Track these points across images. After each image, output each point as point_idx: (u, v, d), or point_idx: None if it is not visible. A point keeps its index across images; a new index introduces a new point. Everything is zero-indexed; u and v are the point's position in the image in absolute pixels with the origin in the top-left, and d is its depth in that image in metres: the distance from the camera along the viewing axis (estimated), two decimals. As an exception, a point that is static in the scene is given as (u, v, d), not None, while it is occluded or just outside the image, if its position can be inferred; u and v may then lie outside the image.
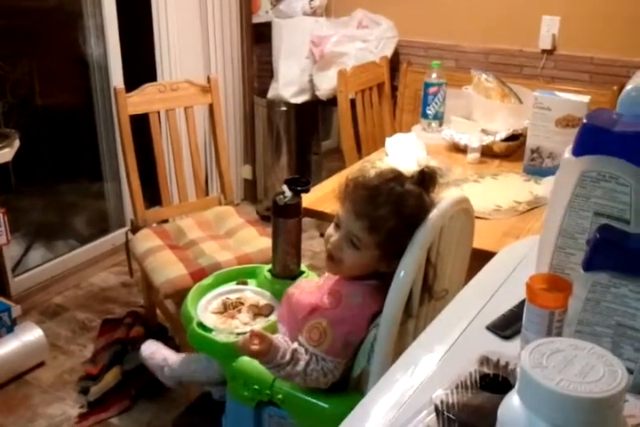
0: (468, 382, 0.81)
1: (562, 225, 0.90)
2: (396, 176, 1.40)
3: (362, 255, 1.40)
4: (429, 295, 1.45)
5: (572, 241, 0.90)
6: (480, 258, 1.57)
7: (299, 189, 1.72)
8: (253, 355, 1.41)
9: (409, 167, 1.81)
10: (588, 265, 0.81)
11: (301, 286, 1.59)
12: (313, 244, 3.32)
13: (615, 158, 0.83)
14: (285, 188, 1.72)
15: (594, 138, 0.85)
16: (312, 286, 1.55)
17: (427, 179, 1.41)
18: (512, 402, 0.60)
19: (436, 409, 0.78)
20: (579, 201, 0.87)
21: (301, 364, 1.41)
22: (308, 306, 1.46)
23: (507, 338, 0.99)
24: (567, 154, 0.88)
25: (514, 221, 1.95)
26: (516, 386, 0.60)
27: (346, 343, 1.42)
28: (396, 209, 1.35)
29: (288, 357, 1.41)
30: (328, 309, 1.43)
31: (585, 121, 0.86)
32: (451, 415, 0.76)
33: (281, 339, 1.45)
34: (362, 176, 1.42)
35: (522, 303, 1.02)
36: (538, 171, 2.28)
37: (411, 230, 1.34)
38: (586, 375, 0.57)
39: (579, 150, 0.86)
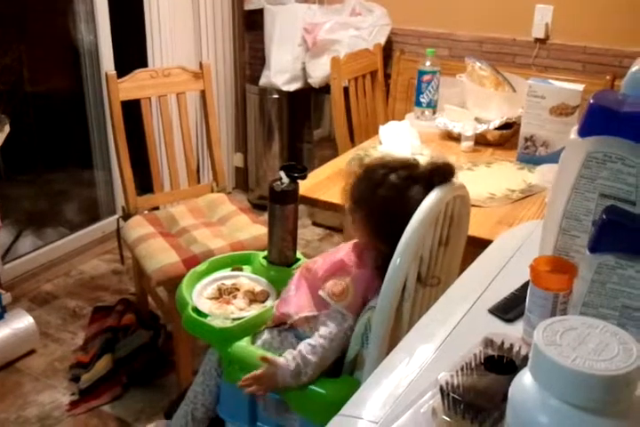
0: (473, 364, 0.81)
1: (567, 207, 0.89)
2: (392, 165, 1.46)
3: (358, 230, 1.52)
4: (421, 283, 1.46)
5: (577, 223, 0.89)
6: (474, 245, 1.57)
7: (296, 175, 1.72)
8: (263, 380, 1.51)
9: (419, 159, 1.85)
10: (595, 247, 0.80)
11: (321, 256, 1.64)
12: (306, 232, 3.32)
13: (622, 139, 0.82)
14: (282, 174, 1.72)
15: (600, 118, 0.84)
16: (330, 252, 1.63)
17: (429, 176, 1.44)
18: (524, 381, 0.60)
19: (442, 390, 0.77)
20: (584, 182, 0.87)
21: (317, 348, 1.47)
22: (337, 262, 1.53)
23: (509, 321, 0.99)
24: (573, 135, 0.88)
25: (507, 209, 1.95)
26: (529, 364, 0.59)
27: (363, 301, 1.48)
28: (369, 193, 1.46)
29: (293, 364, 1.47)
30: (352, 267, 1.50)
31: (591, 101, 0.85)
32: (456, 396, 0.75)
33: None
34: (370, 158, 1.53)
35: (523, 287, 1.02)
36: (531, 159, 2.28)
37: (389, 218, 1.41)
38: (600, 353, 0.56)
39: (585, 131, 0.85)
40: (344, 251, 1.55)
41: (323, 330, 1.48)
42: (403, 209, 1.38)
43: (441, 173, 1.43)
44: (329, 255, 1.59)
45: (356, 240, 1.56)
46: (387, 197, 1.43)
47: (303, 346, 1.48)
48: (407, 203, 1.39)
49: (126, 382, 2.31)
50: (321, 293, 1.50)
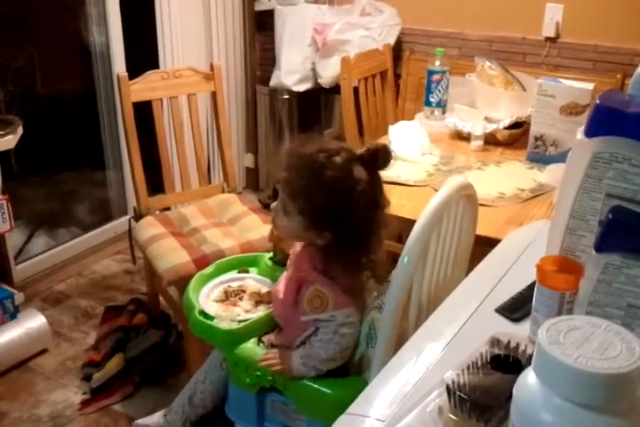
0: (480, 363, 0.81)
1: (573, 207, 0.89)
2: (331, 149, 1.41)
3: (291, 222, 1.44)
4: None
5: (584, 223, 0.90)
6: (483, 244, 1.57)
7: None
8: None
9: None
10: (601, 246, 0.81)
11: (280, 280, 1.61)
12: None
13: (628, 139, 0.83)
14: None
15: (607, 119, 0.85)
16: (286, 273, 1.59)
17: (370, 157, 1.40)
18: (528, 380, 0.60)
19: (448, 389, 0.78)
20: (590, 182, 0.87)
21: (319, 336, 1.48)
22: (294, 286, 1.50)
23: (516, 321, 0.99)
24: (579, 135, 0.88)
25: (517, 208, 1.95)
26: (533, 363, 0.60)
27: (345, 291, 1.46)
28: (312, 177, 1.37)
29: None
30: (311, 273, 1.46)
31: (598, 102, 0.85)
32: (462, 395, 0.76)
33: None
34: (300, 146, 1.45)
35: (530, 286, 1.02)
36: (541, 158, 2.27)
37: (332, 202, 1.37)
38: (603, 352, 0.57)
39: (591, 131, 0.86)
40: (293, 269, 1.54)
41: (321, 334, 1.48)
42: (348, 189, 1.36)
43: (381, 155, 1.39)
44: (284, 279, 1.57)
45: (302, 252, 1.52)
46: (333, 176, 1.36)
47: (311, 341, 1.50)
48: (353, 182, 1.36)
49: (138, 381, 2.32)
50: (304, 318, 1.48)
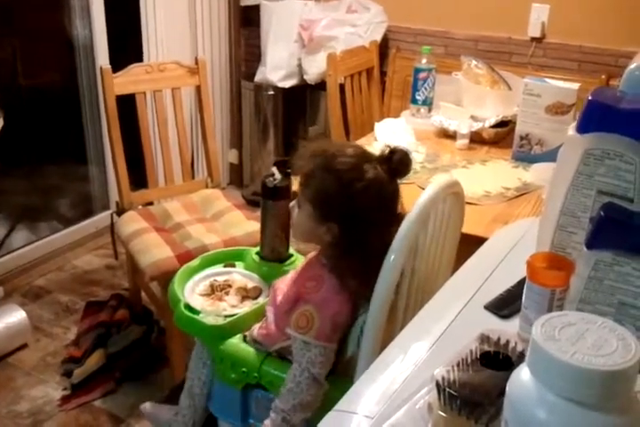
0: (469, 360, 0.81)
1: (564, 204, 0.89)
2: (346, 144, 1.46)
3: (302, 213, 1.44)
4: None
5: (575, 220, 0.89)
6: (468, 243, 1.57)
7: (288, 171, 1.70)
8: None
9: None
10: (592, 243, 0.81)
11: (285, 278, 1.58)
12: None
13: (620, 136, 0.82)
14: (275, 170, 1.71)
15: (599, 115, 0.84)
16: (293, 275, 1.56)
17: (386, 158, 1.41)
18: (522, 376, 0.59)
19: (438, 386, 0.77)
20: (582, 179, 0.87)
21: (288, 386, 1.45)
22: (293, 297, 1.48)
23: (505, 317, 0.99)
24: (571, 131, 0.88)
25: (502, 206, 1.96)
26: (527, 359, 0.59)
27: (334, 326, 1.43)
28: (324, 164, 1.39)
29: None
30: (311, 293, 1.44)
31: (590, 98, 0.85)
32: (452, 392, 0.75)
33: None
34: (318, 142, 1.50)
35: (519, 283, 1.02)
36: (526, 157, 2.28)
37: (342, 194, 1.36)
38: (599, 348, 0.56)
39: (583, 128, 0.85)
40: (300, 279, 1.50)
41: (291, 370, 1.46)
42: (357, 178, 1.36)
43: (396, 156, 1.39)
44: (289, 284, 1.53)
45: (313, 267, 1.50)
46: (343, 162, 1.37)
47: (276, 402, 1.47)
48: (362, 172, 1.36)
49: (119, 377, 2.30)
50: (288, 330, 1.45)
